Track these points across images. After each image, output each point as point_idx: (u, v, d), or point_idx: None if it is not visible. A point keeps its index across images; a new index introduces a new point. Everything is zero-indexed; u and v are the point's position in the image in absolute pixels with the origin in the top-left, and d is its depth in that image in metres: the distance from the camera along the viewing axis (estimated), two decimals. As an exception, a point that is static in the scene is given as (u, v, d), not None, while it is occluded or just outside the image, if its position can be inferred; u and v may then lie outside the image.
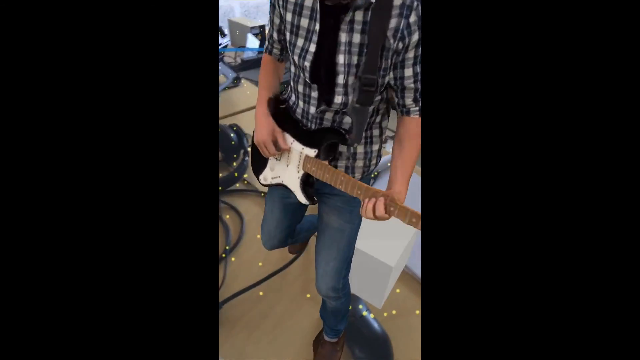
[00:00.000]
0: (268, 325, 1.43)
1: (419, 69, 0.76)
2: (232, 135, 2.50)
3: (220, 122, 2.64)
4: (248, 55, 3.74)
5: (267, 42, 0.94)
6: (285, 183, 0.97)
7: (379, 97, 0.81)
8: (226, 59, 3.67)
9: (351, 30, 0.72)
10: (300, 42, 0.78)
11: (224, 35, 4.01)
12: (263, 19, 4.59)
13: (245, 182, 2.12)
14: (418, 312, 1.51)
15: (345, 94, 0.78)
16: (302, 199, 0.93)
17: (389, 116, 0.93)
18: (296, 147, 0.91)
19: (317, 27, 0.74)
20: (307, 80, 0.81)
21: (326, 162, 0.86)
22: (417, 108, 0.81)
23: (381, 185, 0.85)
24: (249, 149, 2.35)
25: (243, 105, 2.89)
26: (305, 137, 0.89)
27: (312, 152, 0.87)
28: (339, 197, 0.94)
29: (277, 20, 0.85)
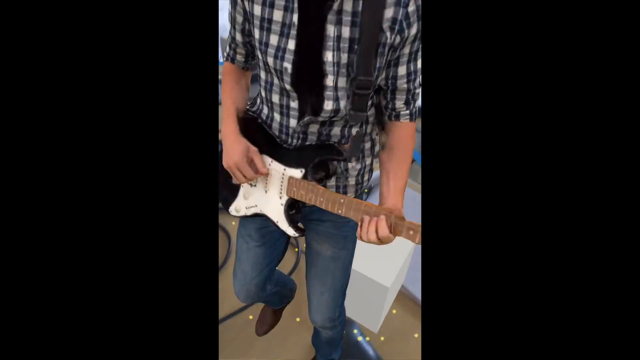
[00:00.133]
0: (257, 351, 1.33)
1: (412, 67, 0.67)
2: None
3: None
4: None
5: (227, 48, 0.79)
6: (264, 212, 0.81)
7: (369, 102, 0.70)
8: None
9: (339, 22, 0.60)
10: (274, 39, 0.64)
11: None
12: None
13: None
14: (417, 335, 1.42)
15: (336, 99, 0.65)
16: (288, 230, 0.78)
17: (380, 126, 0.80)
18: (276, 168, 0.76)
19: (296, 19, 0.62)
20: (287, 85, 0.66)
21: (315, 183, 0.72)
22: (407, 112, 0.72)
23: (374, 201, 0.73)
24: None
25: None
26: (288, 156, 0.74)
27: (297, 173, 0.73)
28: (331, 222, 0.84)
29: (239, 18, 0.70)
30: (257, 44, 0.67)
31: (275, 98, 0.71)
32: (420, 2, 0.59)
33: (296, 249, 1.67)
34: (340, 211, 0.68)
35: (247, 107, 0.82)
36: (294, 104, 0.69)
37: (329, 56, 0.62)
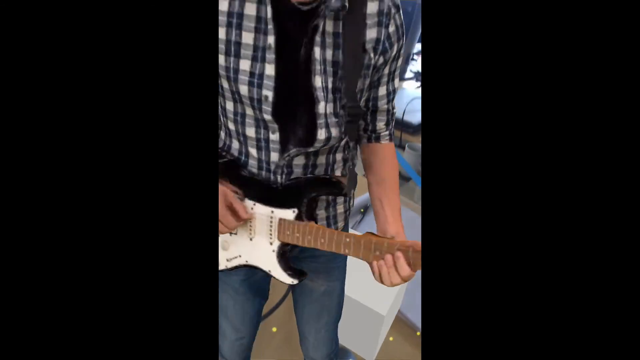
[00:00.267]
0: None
1: (391, 87, 0.65)
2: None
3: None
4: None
5: None
6: (251, 263, 0.71)
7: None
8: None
9: (323, 45, 0.55)
10: (245, 64, 0.56)
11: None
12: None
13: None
14: (414, 364, 1.36)
15: (327, 126, 0.59)
16: (285, 278, 0.68)
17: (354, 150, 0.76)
18: (262, 211, 0.66)
19: (272, 41, 0.54)
20: (267, 116, 0.58)
21: (312, 223, 0.64)
22: (387, 132, 0.70)
23: (371, 221, 0.70)
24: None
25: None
26: (274, 196, 0.65)
27: (289, 214, 0.64)
28: (325, 257, 0.78)
29: None
30: (222, 72, 0.58)
31: (250, 131, 0.62)
32: (400, 21, 0.58)
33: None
34: (347, 251, 0.61)
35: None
36: (275, 136, 0.61)
37: (318, 81, 0.56)
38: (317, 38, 0.55)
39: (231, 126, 0.64)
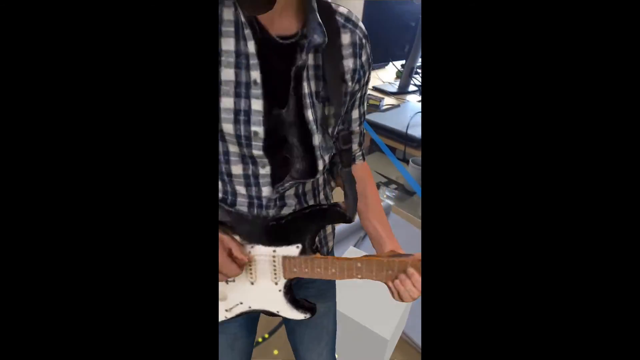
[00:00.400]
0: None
1: (362, 110, 0.68)
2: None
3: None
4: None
5: None
6: (256, 308, 0.67)
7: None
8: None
9: (308, 78, 0.56)
10: (227, 102, 0.53)
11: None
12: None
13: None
14: (419, 389, 1.31)
15: (322, 156, 0.60)
16: (296, 315, 0.66)
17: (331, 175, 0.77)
18: (262, 252, 0.62)
19: (257, 76, 0.52)
20: (257, 151, 0.56)
21: (318, 255, 0.61)
22: (360, 153, 0.73)
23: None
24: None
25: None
26: (273, 234, 0.61)
27: (293, 251, 0.61)
28: (319, 280, 0.77)
29: None
30: None
31: (237, 169, 0.59)
32: (369, 50, 0.61)
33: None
34: (359, 276, 0.60)
35: None
36: (265, 171, 0.59)
37: (310, 114, 0.56)
38: (304, 72, 0.55)
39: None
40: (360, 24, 0.61)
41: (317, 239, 0.70)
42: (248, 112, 0.54)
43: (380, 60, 2.77)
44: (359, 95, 0.65)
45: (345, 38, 0.58)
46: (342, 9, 0.59)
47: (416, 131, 2.55)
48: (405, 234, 2.04)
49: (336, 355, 0.91)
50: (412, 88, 2.79)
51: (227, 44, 0.52)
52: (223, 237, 0.60)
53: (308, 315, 0.67)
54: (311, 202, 0.67)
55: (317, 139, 0.58)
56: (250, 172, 0.59)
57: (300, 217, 0.61)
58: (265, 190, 0.60)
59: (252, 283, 0.65)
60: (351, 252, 1.40)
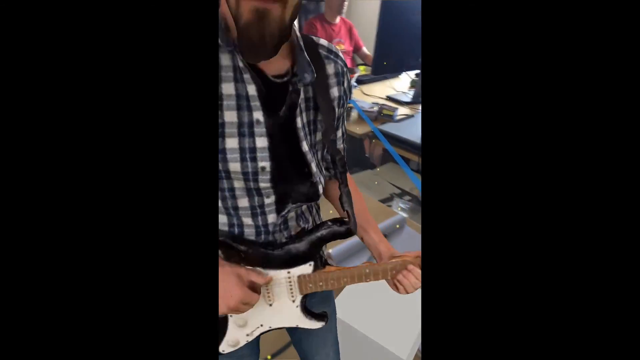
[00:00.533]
0: None
1: (344, 129, 0.75)
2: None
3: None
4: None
5: None
6: (275, 326, 0.71)
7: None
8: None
9: (301, 111, 0.61)
10: (232, 142, 0.56)
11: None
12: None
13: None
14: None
15: (320, 181, 0.66)
16: (312, 325, 0.72)
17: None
18: (276, 275, 0.66)
19: (260, 116, 0.56)
20: (264, 184, 0.59)
21: (329, 267, 0.67)
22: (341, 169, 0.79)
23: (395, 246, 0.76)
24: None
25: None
26: (284, 257, 0.65)
27: (307, 269, 0.66)
28: None
29: None
30: None
31: (243, 202, 0.61)
32: (349, 77, 0.68)
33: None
34: (368, 280, 0.68)
35: None
36: (270, 200, 0.62)
37: (305, 146, 0.62)
38: (297, 107, 0.60)
39: (218, 203, 0.63)
40: (340, 54, 0.67)
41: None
42: (254, 150, 0.57)
43: (394, 70, 2.75)
44: (341, 117, 0.71)
45: (330, 68, 0.64)
46: (322, 42, 0.65)
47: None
48: (419, 246, 1.99)
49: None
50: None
51: (228, 88, 0.55)
52: (240, 271, 0.62)
53: (323, 323, 0.73)
54: (309, 219, 0.72)
55: (314, 167, 0.64)
56: (256, 203, 0.62)
57: (309, 237, 0.66)
58: (271, 218, 0.63)
59: (271, 305, 0.69)
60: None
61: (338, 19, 2.85)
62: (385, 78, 2.94)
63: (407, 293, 0.68)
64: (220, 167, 0.57)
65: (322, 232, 0.66)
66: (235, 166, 0.57)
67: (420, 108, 2.65)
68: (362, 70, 3.04)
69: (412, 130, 2.23)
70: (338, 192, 0.69)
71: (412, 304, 1.21)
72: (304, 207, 0.71)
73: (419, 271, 0.66)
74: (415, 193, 2.60)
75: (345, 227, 0.66)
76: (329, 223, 0.66)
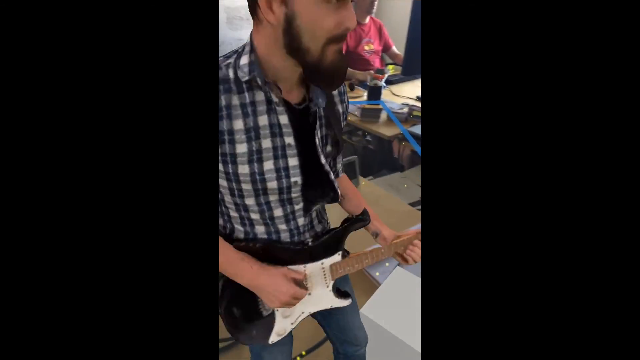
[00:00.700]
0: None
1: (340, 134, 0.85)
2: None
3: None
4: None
5: None
6: (314, 310, 0.86)
7: None
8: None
9: (316, 128, 0.70)
10: (269, 165, 0.66)
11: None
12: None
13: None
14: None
15: (337, 185, 0.77)
16: (343, 303, 0.87)
17: None
18: (312, 268, 0.80)
19: (291, 140, 0.67)
20: (296, 194, 0.71)
21: (354, 253, 0.81)
22: (341, 168, 0.90)
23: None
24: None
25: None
26: (317, 251, 0.79)
27: (337, 258, 0.81)
28: None
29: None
30: (245, 178, 0.66)
31: (278, 211, 0.73)
32: (347, 95, 0.79)
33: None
34: (383, 258, 0.84)
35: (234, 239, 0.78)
36: (299, 206, 0.74)
37: (323, 159, 0.72)
38: (315, 127, 0.70)
39: (255, 216, 0.73)
40: None
41: None
42: (286, 168, 0.68)
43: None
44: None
45: None
46: None
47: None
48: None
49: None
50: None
51: (263, 121, 0.64)
52: (284, 270, 0.74)
53: (350, 300, 0.87)
54: (324, 216, 0.87)
55: (332, 175, 0.75)
56: (288, 211, 0.73)
57: (336, 231, 0.80)
58: (301, 221, 0.76)
59: (310, 294, 0.82)
60: (398, 271, 1.43)
61: (368, 19, 2.85)
62: (415, 78, 2.87)
63: (415, 263, 0.83)
64: (259, 186, 0.67)
65: (348, 226, 0.80)
66: (272, 184, 0.68)
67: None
68: (391, 70, 3.01)
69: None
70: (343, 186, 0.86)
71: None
72: (319, 206, 0.82)
73: (420, 245, 0.82)
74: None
75: (365, 219, 0.82)
76: (353, 218, 0.82)
